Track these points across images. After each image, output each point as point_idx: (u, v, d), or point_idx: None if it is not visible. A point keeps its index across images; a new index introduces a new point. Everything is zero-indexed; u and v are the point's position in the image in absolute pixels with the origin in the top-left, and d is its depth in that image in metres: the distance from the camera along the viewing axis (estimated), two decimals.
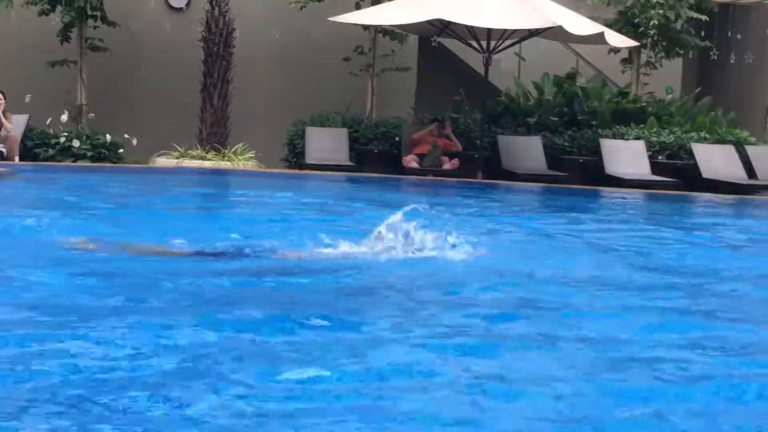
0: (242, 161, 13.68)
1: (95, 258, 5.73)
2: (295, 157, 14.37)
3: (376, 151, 14.38)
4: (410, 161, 13.87)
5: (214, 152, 13.82)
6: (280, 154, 14.57)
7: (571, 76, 16.32)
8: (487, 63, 13.92)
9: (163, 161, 13.55)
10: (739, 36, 17.13)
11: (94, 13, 14.52)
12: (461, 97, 15.66)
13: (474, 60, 15.49)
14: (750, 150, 14.38)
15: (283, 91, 16.45)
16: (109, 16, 14.73)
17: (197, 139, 14.26)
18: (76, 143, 13.51)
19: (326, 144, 14.09)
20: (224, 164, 13.53)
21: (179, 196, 10.60)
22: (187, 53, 14.90)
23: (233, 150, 13.91)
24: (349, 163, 13.83)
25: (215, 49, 14.35)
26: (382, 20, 14.26)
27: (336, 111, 14.84)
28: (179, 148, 13.70)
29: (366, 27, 14.99)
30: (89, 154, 13.57)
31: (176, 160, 13.46)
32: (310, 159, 13.81)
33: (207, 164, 13.48)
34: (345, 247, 5.87)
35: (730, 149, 14.28)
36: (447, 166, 13.90)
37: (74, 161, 13.42)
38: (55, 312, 4.33)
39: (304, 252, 5.88)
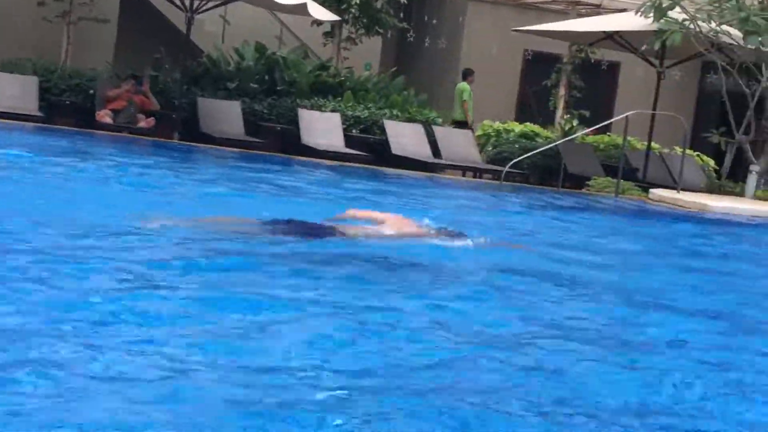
0: None
1: None
2: None
3: (68, 102, 13.80)
4: (104, 116, 13.41)
5: None
6: None
7: None
8: (189, 22, 13.73)
9: None
10: (434, 21, 18.08)
11: None
12: (161, 55, 15.35)
13: (178, 18, 15.22)
14: (437, 130, 15.18)
15: None
16: None
17: None
18: None
19: (13, 91, 13.33)
20: None
21: None
22: None
23: None
24: (38, 114, 13.16)
25: None
26: None
27: (27, 57, 14.04)
28: None
29: None
30: None
31: None
32: None
33: None
34: None
35: (419, 128, 14.99)
36: (142, 124, 13.59)
37: None
38: None
39: None
